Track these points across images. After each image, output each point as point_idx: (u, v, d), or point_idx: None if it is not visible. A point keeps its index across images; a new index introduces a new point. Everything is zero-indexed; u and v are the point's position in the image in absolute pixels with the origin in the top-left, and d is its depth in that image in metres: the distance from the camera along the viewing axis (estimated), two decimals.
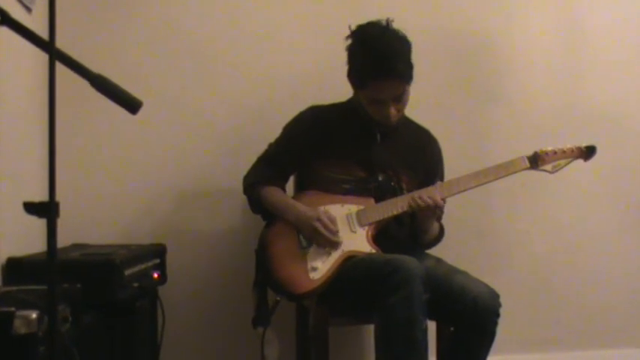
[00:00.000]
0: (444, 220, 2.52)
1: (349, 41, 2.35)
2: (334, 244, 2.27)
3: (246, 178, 2.52)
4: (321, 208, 2.33)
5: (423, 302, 2.04)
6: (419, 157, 2.50)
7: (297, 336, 2.77)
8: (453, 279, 2.20)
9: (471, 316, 2.12)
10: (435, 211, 2.30)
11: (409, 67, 2.30)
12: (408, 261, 2.08)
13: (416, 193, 2.31)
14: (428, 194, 2.28)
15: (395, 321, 2.02)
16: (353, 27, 2.35)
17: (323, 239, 2.27)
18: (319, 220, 2.27)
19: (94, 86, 1.47)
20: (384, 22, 2.32)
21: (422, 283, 2.04)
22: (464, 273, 2.25)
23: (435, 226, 2.45)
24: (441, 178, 2.51)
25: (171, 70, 2.89)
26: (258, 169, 2.51)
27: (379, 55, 2.26)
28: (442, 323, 2.35)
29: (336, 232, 2.28)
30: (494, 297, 2.15)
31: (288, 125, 2.52)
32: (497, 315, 2.14)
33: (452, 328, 2.25)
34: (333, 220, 2.30)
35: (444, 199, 2.36)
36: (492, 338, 2.16)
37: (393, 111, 2.32)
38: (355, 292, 2.20)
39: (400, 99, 2.32)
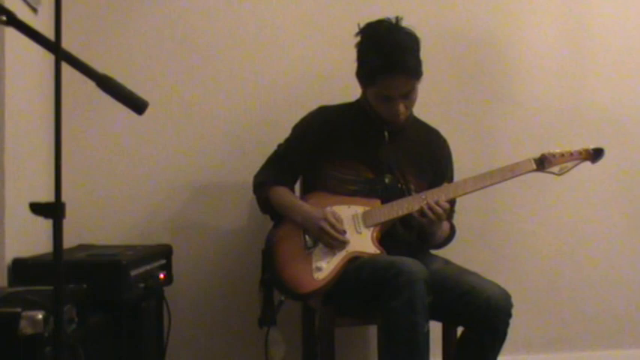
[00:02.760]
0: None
1: (358, 39, 2.35)
2: (341, 244, 2.27)
3: (255, 178, 2.53)
4: (328, 209, 2.32)
5: (425, 305, 2.03)
6: (427, 157, 2.49)
7: (303, 336, 2.76)
8: (465, 279, 2.20)
9: (483, 317, 2.11)
10: (441, 216, 2.27)
11: (419, 63, 2.30)
12: (411, 263, 2.07)
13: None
14: (433, 198, 2.27)
15: (397, 324, 2.02)
16: (362, 25, 2.35)
17: (330, 238, 2.26)
18: (326, 219, 2.27)
19: (100, 87, 1.47)
20: (393, 20, 2.33)
21: (425, 285, 2.03)
22: (474, 274, 2.24)
23: (446, 226, 2.43)
24: (450, 179, 2.50)
25: (177, 71, 2.89)
26: (268, 169, 2.51)
27: (389, 50, 2.25)
28: (451, 324, 2.34)
29: (343, 232, 2.28)
30: (506, 297, 2.14)
31: (297, 126, 2.52)
32: (510, 315, 2.13)
33: (460, 329, 2.25)
34: (339, 220, 2.30)
35: (454, 200, 2.37)
36: (504, 338, 2.15)
37: (401, 108, 2.31)
38: (359, 293, 2.19)
39: (409, 96, 2.32)
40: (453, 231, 2.49)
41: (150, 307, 2.48)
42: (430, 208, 2.24)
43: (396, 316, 2.02)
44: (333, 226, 2.26)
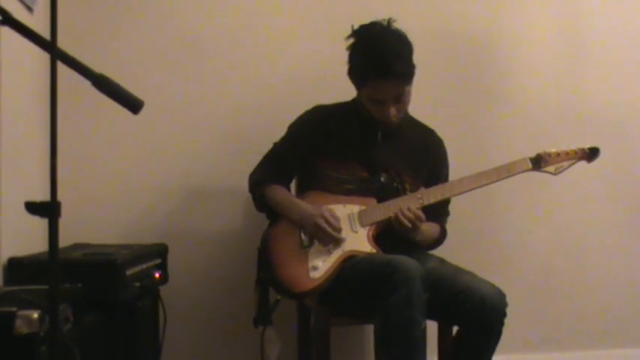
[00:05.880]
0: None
1: (351, 40, 2.35)
2: (337, 241, 2.27)
3: (251, 177, 2.53)
4: (325, 207, 2.33)
5: (422, 302, 2.04)
6: (422, 156, 2.49)
7: (298, 336, 2.77)
8: (460, 279, 2.20)
9: (478, 316, 2.12)
10: (415, 225, 2.25)
11: (408, 67, 2.29)
12: (408, 261, 2.08)
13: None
14: (429, 197, 2.28)
15: (394, 321, 2.03)
16: (355, 27, 2.35)
17: (326, 236, 2.27)
18: (322, 217, 2.27)
19: (96, 86, 1.47)
20: (385, 23, 2.33)
21: (421, 282, 2.04)
22: (469, 273, 2.25)
23: (432, 229, 2.43)
24: (446, 179, 2.50)
25: (173, 71, 2.89)
26: (263, 167, 2.52)
27: (377, 55, 2.26)
28: (446, 323, 2.35)
29: (339, 229, 2.28)
30: (501, 296, 2.15)
31: (292, 125, 2.52)
32: (504, 314, 2.14)
33: (456, 328, 2.26)
34: (336, 218, 2.30)
35: (448, 199, 2.39)
36: (499, 337, 2.16)
37: (393, 111, 2.32)
38: (355, 292, 2.20)
39: (400, 99, 2.32)
40: (442, 234, 2.49)
41: (145, 306, 2.48)
42: (403, 214, 2.23)
43: (393, 313, 2.02)
44: (329, 223, 2.27)
